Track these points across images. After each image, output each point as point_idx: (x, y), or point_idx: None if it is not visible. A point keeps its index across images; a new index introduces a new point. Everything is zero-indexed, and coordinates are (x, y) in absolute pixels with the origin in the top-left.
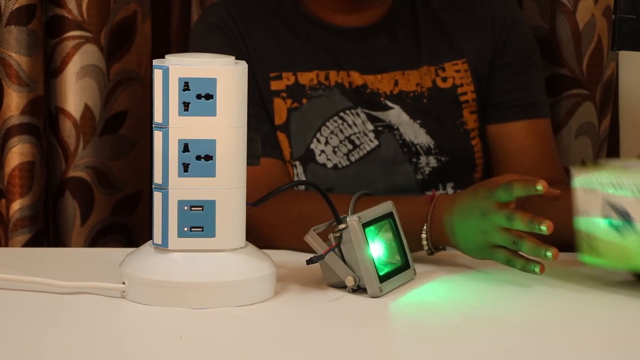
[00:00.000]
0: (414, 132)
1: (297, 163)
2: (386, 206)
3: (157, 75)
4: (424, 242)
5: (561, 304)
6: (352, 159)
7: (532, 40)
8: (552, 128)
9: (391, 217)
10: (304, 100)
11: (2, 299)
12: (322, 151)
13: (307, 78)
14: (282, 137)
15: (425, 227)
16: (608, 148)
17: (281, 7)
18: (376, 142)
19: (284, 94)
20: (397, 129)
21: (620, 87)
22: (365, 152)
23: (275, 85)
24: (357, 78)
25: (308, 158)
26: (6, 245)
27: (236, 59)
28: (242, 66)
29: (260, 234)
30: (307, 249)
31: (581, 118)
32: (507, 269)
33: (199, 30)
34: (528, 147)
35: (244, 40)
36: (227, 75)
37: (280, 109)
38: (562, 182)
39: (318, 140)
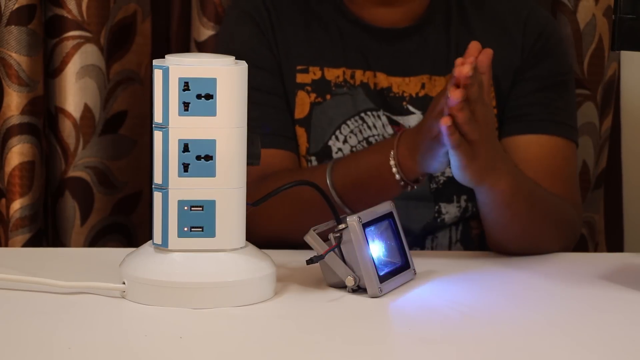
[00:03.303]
0: None
1: (313, 158)
2: (386, 206)
3: (157, 75)
4: (394, 170)
5: (561, 303)
6: (415, 187)
7: (563, 60)
8: (572, 151)
9: (391, 217)
10: (328, 96)
11: (2, 299)
12: (340, 149)
13: (333, 74)
14: (300, 131)
15: (392, 154)
16: (609, 148)
17: None
18: None
19: (308, 88)
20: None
21: (622, 87)
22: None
23: (301, 78)
24: (383, 80)
25: (324, 155)
26: (6, 245)
27: (264, 49)
28: (242, 66)
29: (259, 226)
30: (304, 231)
31: (582, 118)
32: (507, 269)
33: (230, 15)
34: (525, 161)
35: (274, 32)
36: (227, 75)
37: (304, 102)
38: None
39: (337, 138)
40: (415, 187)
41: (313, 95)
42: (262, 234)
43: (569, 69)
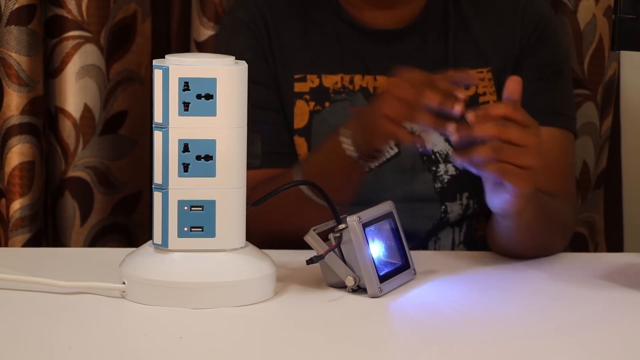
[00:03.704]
0: (434, 140)
1: None
2: (386, 206)
3: (157, 75)
4: (345, 146)
5: (561, 304)
6: (372, 165)
7: (560, 48)
8: (569, 142)
9: (391, 217)
10: (327, 104)
11: (2, 299)
12: None
13: (331, 81)
14: (300, 141)
15: (342, 131)
16: (609, 148)
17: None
18: (396, 150)
19: (307, 97)
20: (418, 136)
21: (622, 87)
22: (384, 159)
23: (298, 87)
24: (384, 83)
25: None
26: (6, 245)
27: (259, 61)
28: (242, 66)
29: (258, 226)
30: (299, 231)
31: (582, 118)
32: (507, 269)
33: (226, 24)
34: None
35: (270, 42)
36: (227, 75)
37: (303, 111)
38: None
39: None
40: (372, 165)
41: (312, 104)
42: (258, 232)
43: (565, 58)
